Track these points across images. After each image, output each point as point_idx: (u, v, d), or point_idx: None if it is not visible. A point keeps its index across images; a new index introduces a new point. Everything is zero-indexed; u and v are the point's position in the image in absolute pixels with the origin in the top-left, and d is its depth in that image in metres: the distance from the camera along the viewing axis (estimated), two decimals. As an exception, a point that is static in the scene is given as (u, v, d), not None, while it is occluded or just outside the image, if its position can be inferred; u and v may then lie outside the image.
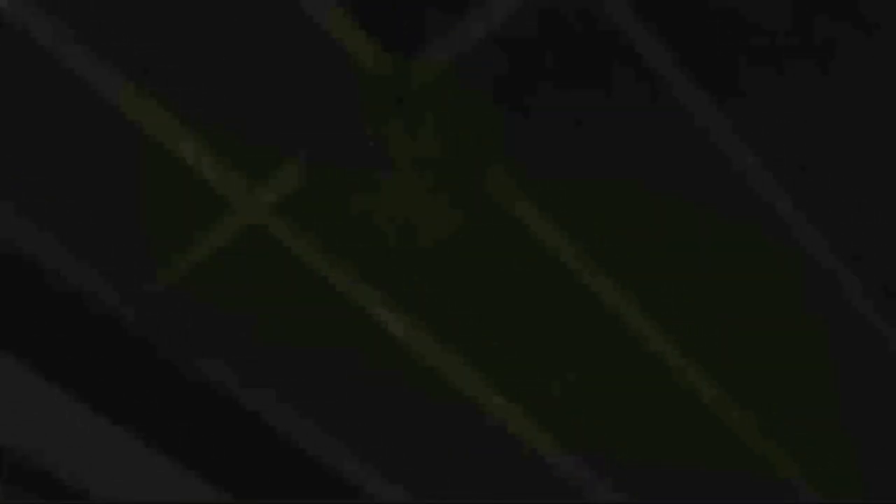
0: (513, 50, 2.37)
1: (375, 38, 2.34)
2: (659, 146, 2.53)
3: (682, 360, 2.92)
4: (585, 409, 2.96)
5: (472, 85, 2.42)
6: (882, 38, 2.41)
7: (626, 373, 2.90)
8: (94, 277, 2.53)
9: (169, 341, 2.65)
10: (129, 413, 2.63)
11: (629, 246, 2.69)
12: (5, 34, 2.27)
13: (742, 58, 2.43)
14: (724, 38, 2.41)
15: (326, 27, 2.32)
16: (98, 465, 2.62)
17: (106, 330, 2.58)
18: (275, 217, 2.54)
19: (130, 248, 2.54)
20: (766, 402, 3.01)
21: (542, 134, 2.51)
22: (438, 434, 2.95)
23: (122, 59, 2.33)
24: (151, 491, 2.68)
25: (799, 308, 2.84)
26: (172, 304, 2.62)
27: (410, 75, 2.39)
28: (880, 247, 2.73)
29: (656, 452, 3.07)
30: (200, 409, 2.73)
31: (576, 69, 2.39)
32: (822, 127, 2.56)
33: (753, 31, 2.40)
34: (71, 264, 2.51)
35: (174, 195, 2.49)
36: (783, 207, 2.68)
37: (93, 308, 2.54)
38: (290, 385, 2.81)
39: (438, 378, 2.86)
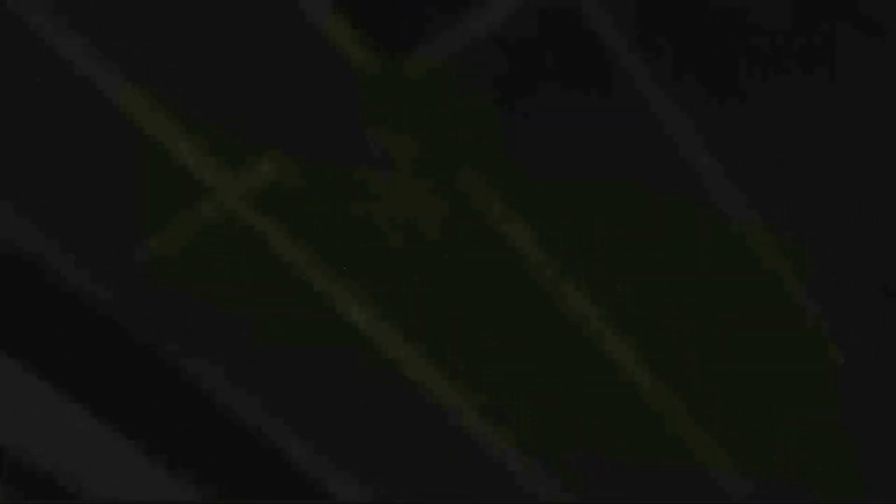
0: (511, 50, 2.37)
1: (372, 37, 2.35)
2: (628, 148, 2.54)
3: (644, 368, 2.92)
4: (547, 415, 2.97)
5: (470, 85, 2.43)
6: (882, 39, 2.41)
7: (588, 378, 2.91)
8: (63, 259, 2.52)
9: (144, 329, 2.65)
10: (99, 399, 2.63)
11: (601, 253, 2.70)
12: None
13: (730, 66, 2.43)
14: (706, 49, 2.41)
15: (324, 26, 2.32)
16: (85, 463, 2.62)
17: (80, 315, 2.58)
18: (251, 207, 2.53)
19: (103, 230, 2.53)
20: (723, 411, 3.02)
21: (525, 136, 2.51)
22: (401, 433, 2.95)
23: (120, 56, 2.34)
24: (129, 488, 2.68)
25: (765, 318, 2.86)
26: (146, 288, 2.62)
27: (407, 74, 2.39)
28: (880, 247, 2.74)
29: (614, 457, 3.08)
30: (169, 401, 2.72)
31: (565, 71, 2.39)
32: (821, 128, 2.56)
33: (747, 37, 2.40)
34: (42, 243, 2.50)
35: (154, 179, 2.48)
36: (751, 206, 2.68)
37: (64, 288, 2.53)
38: (258, 379, 2.81)
39: (405, 377, 2.86)
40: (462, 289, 2.72)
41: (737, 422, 3.05)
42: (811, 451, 3.11)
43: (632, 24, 2.38)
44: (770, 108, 2.51)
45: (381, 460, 2.99)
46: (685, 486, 3.17)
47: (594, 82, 2.43)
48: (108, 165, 2.45)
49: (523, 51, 2.37)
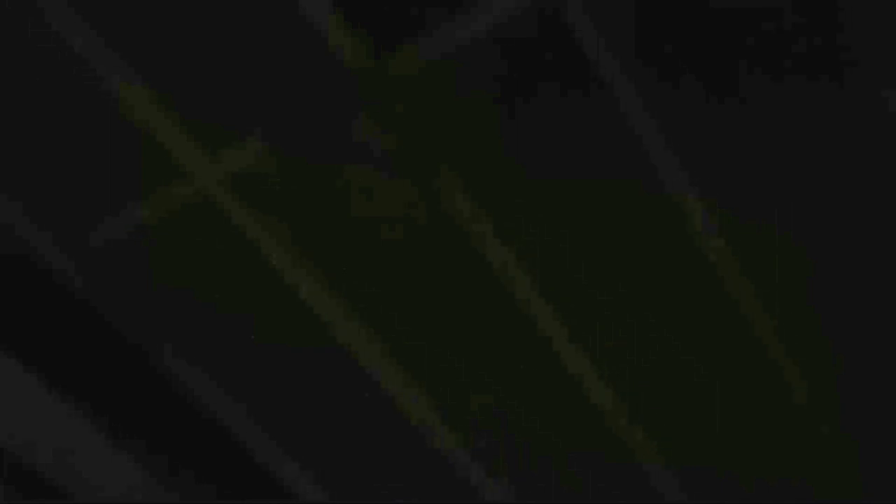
0: (500, 53, 2.37)
1: (366, 33, 2.35)
2: (603, 159, 2.54)
3: (606, 385, 2.93)
4: (504, 421, 2.98)
5: (467, 84, 2.43)
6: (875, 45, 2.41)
7: (546, 384, 2.92)
8: (33, 230, 2.50)
9: (123, 317, 2.63)
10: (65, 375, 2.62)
11: (569, 262, 2.70)
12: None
13: (718, 78, 2.43)
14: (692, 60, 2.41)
15: (320, 19, 2.33)
16: (72, 459, 2.62)
17: (52, 296, 2.56)
18: (228, 191, 2.52)
19: (72, 203, 2.51)
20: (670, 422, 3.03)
21: (508, 138, 2.52)
22: (363, 434, 2.95)
23: (113, 36, 2.33)
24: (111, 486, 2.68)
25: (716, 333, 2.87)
26: (113, 265, 2.61)
27: (399, 72, 2.40)
28: (879, 247, 2.74)
29: (559, 458, 3.09)
30: (146, 396, 2.71)
31: (550, 77, 2.39)
32: (815, 130, 2.56)
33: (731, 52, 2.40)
34: (25, 227, 2.48)
35: (130, 156, 2.48)
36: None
37: (36, 263, 2.52)
38: (226, 372, 2.80)
39: (372, 379, 2.86)
40: (430, 288, 2.72)
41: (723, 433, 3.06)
42: (811, 452, 3.11)
43: (616, 34, 2.38)
44: (759, 115, 2.52)
45: (345, 462, 2.99)
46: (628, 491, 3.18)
47: (575, 89, 2.43)
48: (90, 143, 2.45)
49: (510, 54, 2.37)
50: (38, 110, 2.40)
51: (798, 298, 2.84)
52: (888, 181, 2.64)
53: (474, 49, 2.38)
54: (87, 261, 2.55)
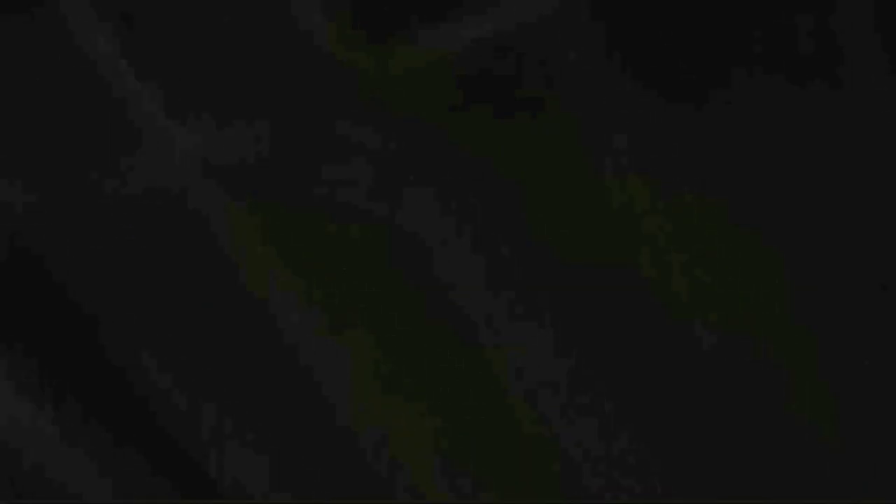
0: (505, 52, 2.39)
1: (366, 32, 2.37)
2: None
3: None
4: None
5: (467, 84, 2.45)
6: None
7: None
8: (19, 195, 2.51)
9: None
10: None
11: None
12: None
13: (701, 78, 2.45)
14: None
15: (318, 21, 2.34)
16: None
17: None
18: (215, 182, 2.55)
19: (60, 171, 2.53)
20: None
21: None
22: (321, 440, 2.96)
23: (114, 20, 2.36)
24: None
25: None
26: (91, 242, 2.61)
27: (400, 70, 2.41)
28: (875, 240, 2.76)
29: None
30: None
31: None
32: (810, 128, 2.57)
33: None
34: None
35: (114, 132, 2.50)
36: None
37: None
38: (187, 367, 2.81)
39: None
40: (400, 296, 2.73)
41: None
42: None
43: (615, 36, 2.40)
44: (753, 115, 2.53)
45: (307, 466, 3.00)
46: None
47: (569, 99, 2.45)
48: (78, 117, 2.46)
49: (511, 57, 2.39)
50: (35, 87, 2.42)
51: (791, 300, 2.85)
52: (887, 183, 2.66)
53: (476, 51, 2.39)
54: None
